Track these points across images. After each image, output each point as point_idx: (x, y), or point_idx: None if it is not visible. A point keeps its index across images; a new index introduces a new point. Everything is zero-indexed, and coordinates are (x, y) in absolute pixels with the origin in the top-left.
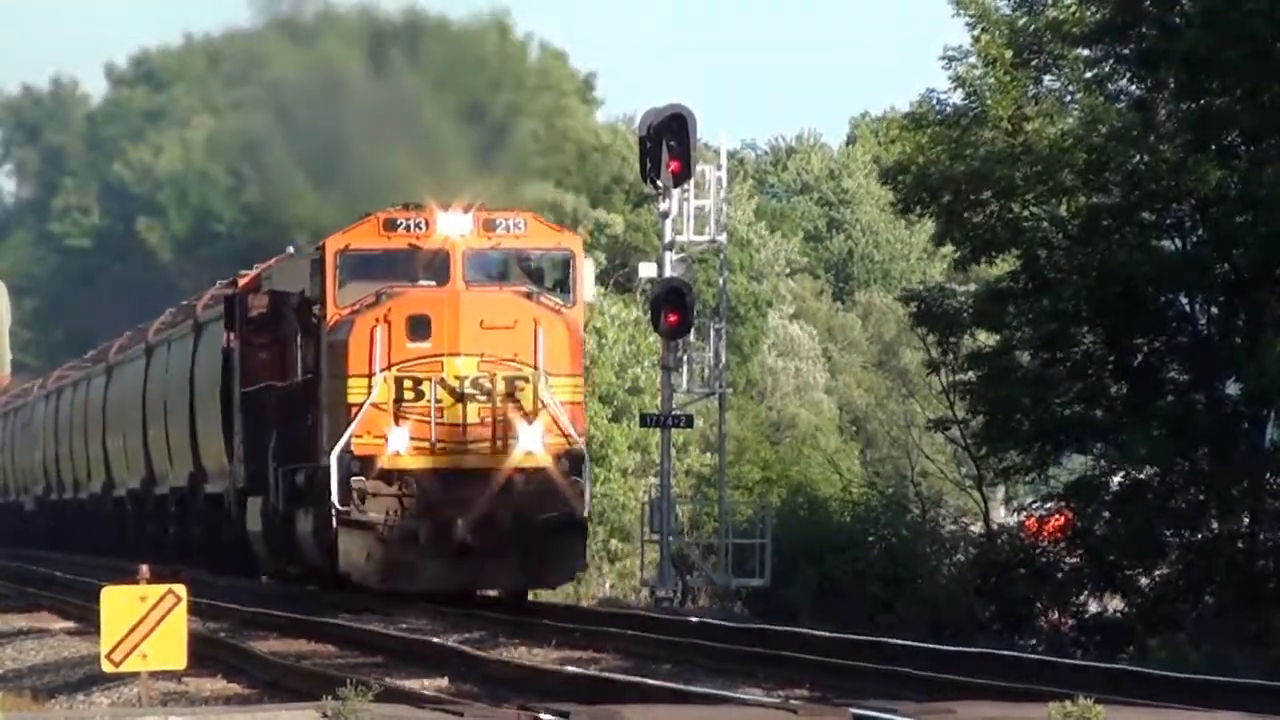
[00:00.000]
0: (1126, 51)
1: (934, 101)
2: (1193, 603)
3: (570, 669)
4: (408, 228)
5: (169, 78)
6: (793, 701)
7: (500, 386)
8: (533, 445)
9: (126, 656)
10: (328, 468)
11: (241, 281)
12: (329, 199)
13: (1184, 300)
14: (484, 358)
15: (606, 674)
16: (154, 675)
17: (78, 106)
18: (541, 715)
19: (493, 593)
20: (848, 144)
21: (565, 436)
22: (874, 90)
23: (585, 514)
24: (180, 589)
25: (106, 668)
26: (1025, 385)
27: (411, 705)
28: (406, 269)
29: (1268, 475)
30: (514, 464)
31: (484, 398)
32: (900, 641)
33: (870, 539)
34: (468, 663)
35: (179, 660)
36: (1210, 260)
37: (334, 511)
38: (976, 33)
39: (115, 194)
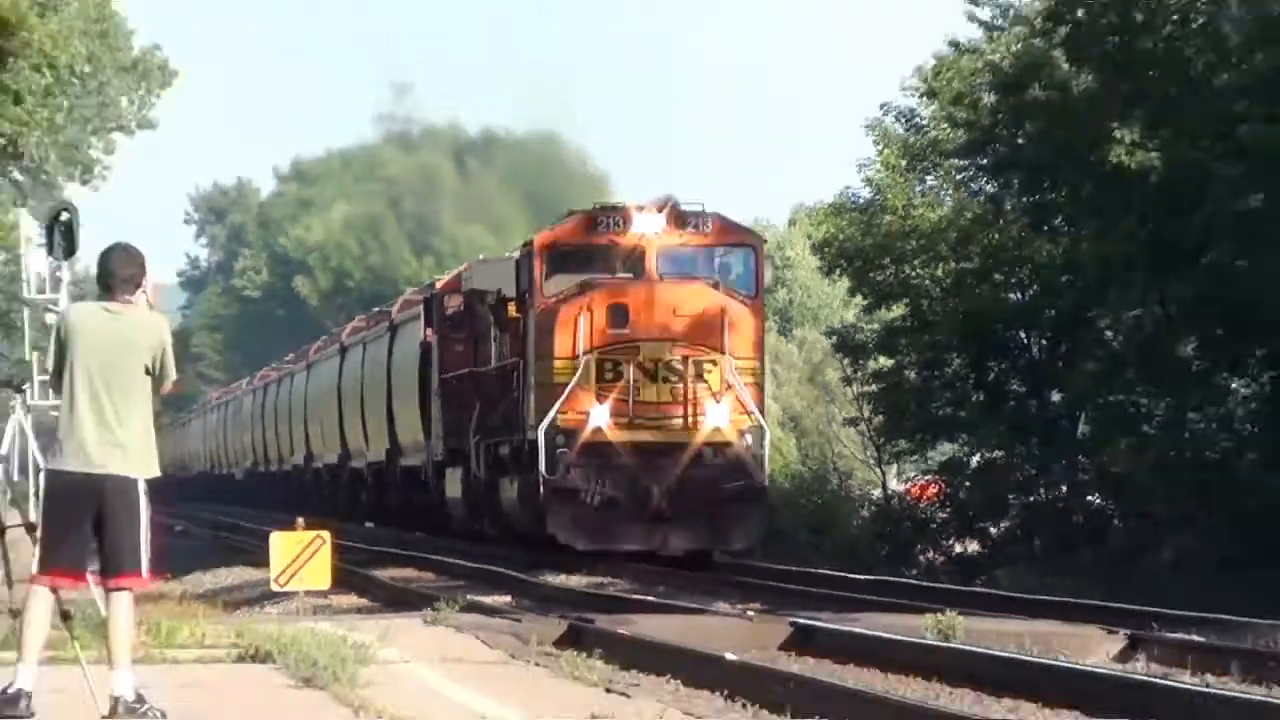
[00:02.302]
0: (984, 162)
1: (850, 195)
2: (1027, 546)
3: (595, 591)
4: (607, 226)
5: (315, 177)
6: (749, 612)
7: (690, 369)
8: (720, 422)
9: (289, 580)
10: (535, 440)
11: (440, 284)
12: (425, 262)
13: (1023, 335)
14: (676, 342)
15: (620, 594)
16: (308, 593)
17: (253, 197)
18: (573, 620)
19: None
20: (789, 224)
21: (748, 414)
22: (808, 186)
23: (764, 483)
24: (325, 534)
25: (274, 588)
26: (911, 394)
27: (484, 614)
28: (606, 262)
29: (1079, 457)
30: (703, 438)
31: (676, 378)
32: (824, 571)
33: (803, 500)
34: (524, 586)
35: (325, 583)
36: (1041, 308)
37: (542, 479)
38: (880, 148)
39: (278, 259)
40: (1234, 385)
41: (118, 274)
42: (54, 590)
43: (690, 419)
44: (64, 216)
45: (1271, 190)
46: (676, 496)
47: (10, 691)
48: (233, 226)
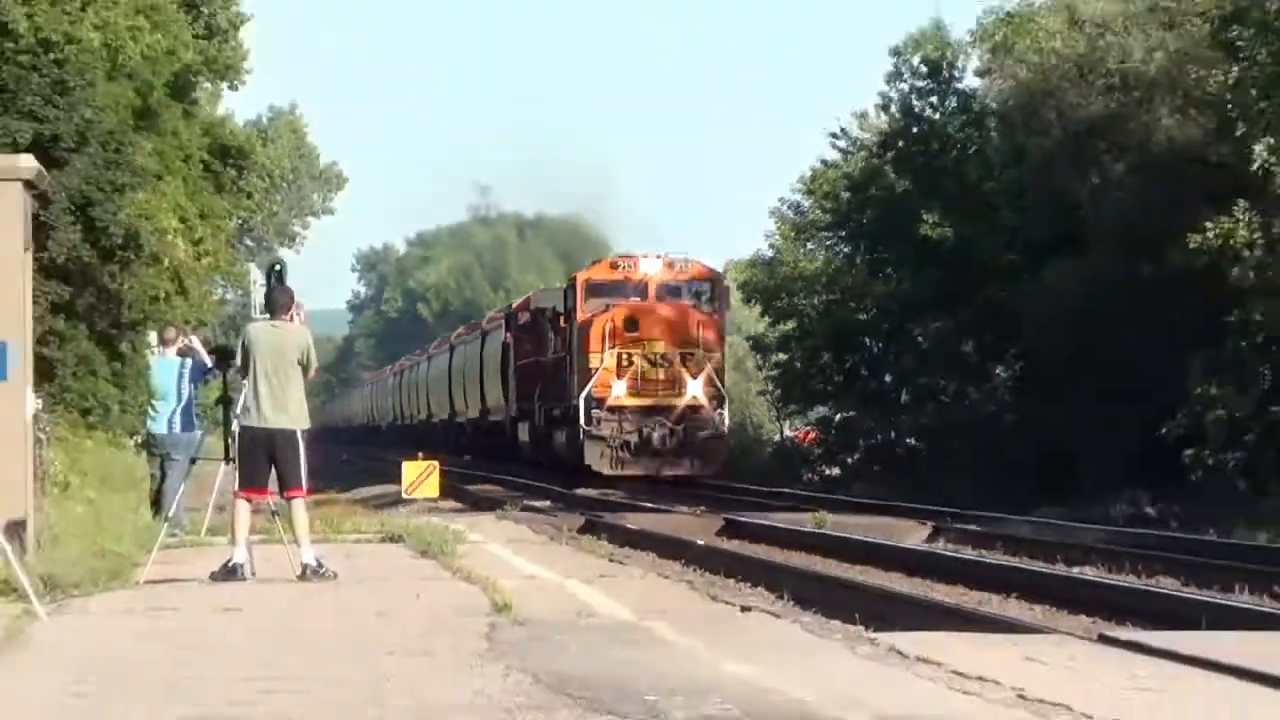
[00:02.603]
0: (842, 234)
1: (760, 254)
2: (869, 471)
3: (603, 498)
4: (623, 267)
5: (431, 242)
6: (699, 511)
7: (677, 359)
8: (696, 392)
9: (413, 491)
10: (577, 405)
11: (514, 305)
12: (499, 295)
13: (867, 340)
14: (668, 342)
15: (619, 500)
16: (425, 500)
17: (393, 254)
18: (589, 516)
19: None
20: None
21: (714, 388)
22: (735, 247)
23: (724, 432)
24: (436, 463)
25: (404, 496)
26: (798, 377)
27: (534, 513)
28: (622, 290)
29: (902, 416)
30: (685, 403)
31: (667, 365)
32: (745, 486)
33: (732, 441)
34: (560, 495)
35: (435, 493)
36: (878, 323)
37: (582, 430)
38: (778, 224)
39: (408, 294)
40: (998, 371)
41: (278, 303)
42: (248, 500)
43: (677, 391)
44: (277, 268)
45: (1019, 253)
46: (668, 440)
47: (230, 565)
48: (381, 273)
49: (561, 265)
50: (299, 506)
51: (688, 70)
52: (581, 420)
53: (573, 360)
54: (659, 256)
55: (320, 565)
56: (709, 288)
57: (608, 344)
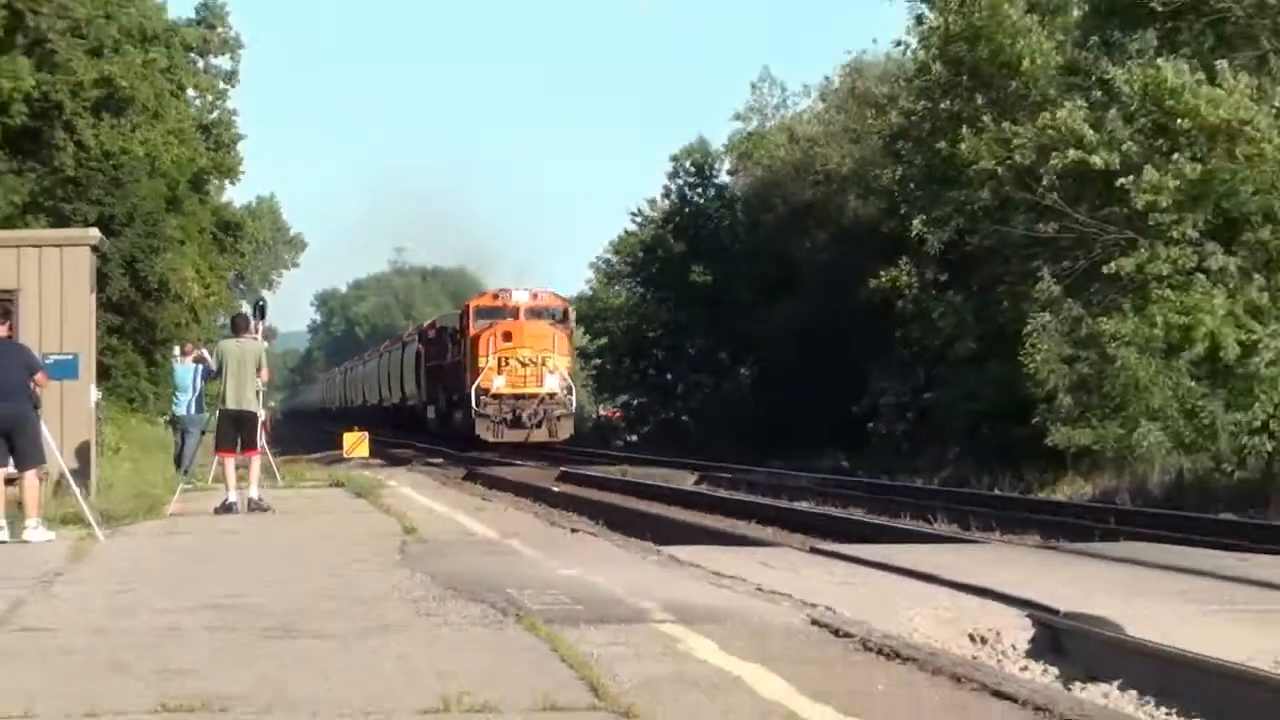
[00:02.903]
0: (639, 280)
1: (584, 294)
2: (658, 438)
3: (479, 457)
4: (501, 297)
5: (365, 286)
6: (544, 465)
7: (540, 361)
8: (553, 386)
9: (351, 453)
10: (469, 393)
11: (425, 324)
12: (409, 321)
13: (655, 351)
14: (533, 349)
15: (493, 459)
16: (360, 459)
17: (337, 294)
18: (469, 469)
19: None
20: None
21: (565, 382)
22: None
23: (573, 412)
24: (366, 434)
25: (345, 456)
26: (608, 375)
27: (433, 467)
28: (501, 313)
29: (679, 401)
30: (544, 392)
31: (533, 365)
32: (575, 448)
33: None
34: (452, 455)
35: (366, 454)
36: (663, 339)
37: (473, 410)
38: (595, 274)
39: (349, 320)
40: (742, 370)
41: (240, 327)
42: (223, 458)
43: (539, 383)
44: (260, 303)
45: (755, 293)
46: (532, 418)
47: (226, 503)
48: (330, 307)
49: (451, 302)
50: (255, 462)
51: (558, 136)
52: (472, 404)
53: (465, 362)
54: (526, 290)
55: (262, 500)
56: (561, 312)
57: (491, 351)
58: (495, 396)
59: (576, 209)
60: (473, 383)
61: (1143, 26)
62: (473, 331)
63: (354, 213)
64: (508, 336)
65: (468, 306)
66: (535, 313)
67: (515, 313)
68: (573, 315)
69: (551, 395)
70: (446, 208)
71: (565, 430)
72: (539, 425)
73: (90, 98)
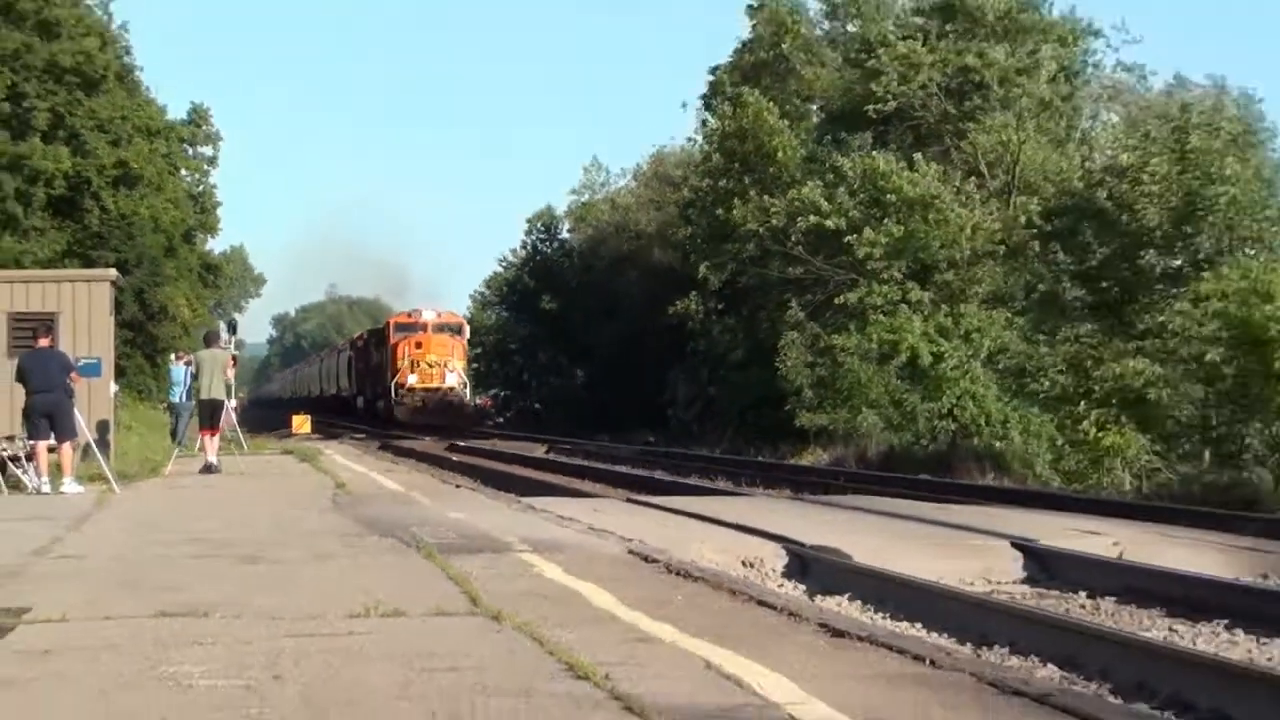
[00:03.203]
0: (505, 306)
1: (466, 315)
2: (520, 420)
3: (390, 434)
4: (414, 315)
5: (309, 310)
6: (438, 439)
7: (443, 363)
8: (452, 382)
9: (297, 430)
10: (390, 387)
11: (355, 336)
12: (342, 335)
13: (517, 357)
14: (437, 355)
15: (401, 435)
16: (304, 434)
17: (289, 317)
18: (382, 441)
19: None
20: None
21: (462, 380)
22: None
23: (466, 402)
24: (309, 417)
25: (293, 433)
26: (482, 374)
27: (358, 440)
28: (413, 328)
29: (533, 393)
30: (445, 387)
31: (438, 367)
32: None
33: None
34: (373, 432)
35: (308, 430)
36: (523, 349)
37: (393, 400)
38: (472, 301)
39: (298, 336)
40: (579, 372)
41: (211, 340)
42: (202, 435)
43: (441, 381)
44: (233, 322)
45: (589, 316)
46: (436, 407)
47: (206, 465)
48: (283, 325)
49: (371, 323)
50: (215, 438)
51: (454, 190)
52: (392, 395)
53: (386, 364)
54: (434, 310)
55: (218, 464)
56: (459, 326)
57: (406, 356)
58: (409, 390)
59: (466, 245)
60: (393, 379)
61: (862, 129)
62: (392, 341)
63: (299, 253)
64: (419, 345)
65: (390, 322)
66: (440, 328)
67: (425, 328)
68: (467, 329)
69: (451, 389)
70: (367, 247)
71: (461, 416)
72: (441, 413)
73: (111, 175)
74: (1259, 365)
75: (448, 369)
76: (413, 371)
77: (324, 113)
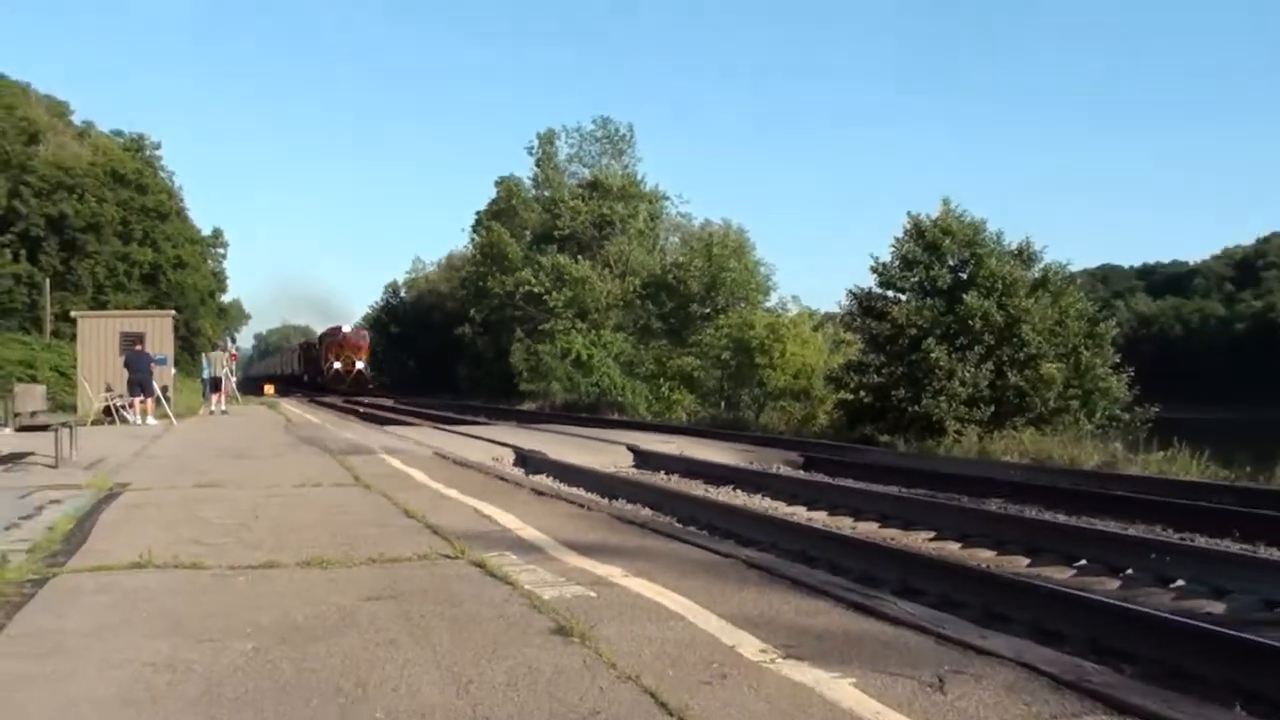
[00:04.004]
0: (385, 336)
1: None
2: (392, 388)
3: (318, 396)
4: (340, 329)
5: (273, 330)
6: (349, 402)
7: (353, 357)
8: (360, 367)
9: (268, 393)
10: (325, 370)
11: (300, 343)
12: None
13: (410, 363)
14: (352, 353)
15: (327, 397)
16: (271, 396)
17: (261, 335)
18: (312, 399)
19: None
20: None
21: (367, 367)
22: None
23: (369, 378)
24: (274, 385)
25: (266, 395)
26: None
27: (301, 399)
28: (338, 334)
29: (397, 374)
30: (356, 369)
31: (350, 360)
32: (361, 393)
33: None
34: (311, 396)
35: (274, 393)
36: (420, 357)
37: (326, 376)
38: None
39: (269, 345)
40: (410, 363)
41: (218, 347)
42: (212, 397)
43: (355, 367)
44: (235, 337)
45: (429, 345)
46: (353, 381)
47: (215, 409)
48: (260, 338)
49: (302, 338)
50: (223, 397)
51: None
52: (326, 375)
53: (322, 357)
54: (351, 326)
55: (226, 410)
56: (366, 336)
57: (332, 352)
58: (335, 373)
59: (361, 287)
60: (326, 365)
61: (552, 243)
62: (324, 344)
63: (269, 297)
64: (341, 346)
65: (323, 334)
66: (354, 335)
67: (345, 336)
68: (370, 338)
69: (360, 371)
70: (304, 287)
71: (364, 387)
72: (354, 384)
73: (172, 262)
74: (746, 360)
75: (357, 360)
76: (336, 361)
77: (275, 202)
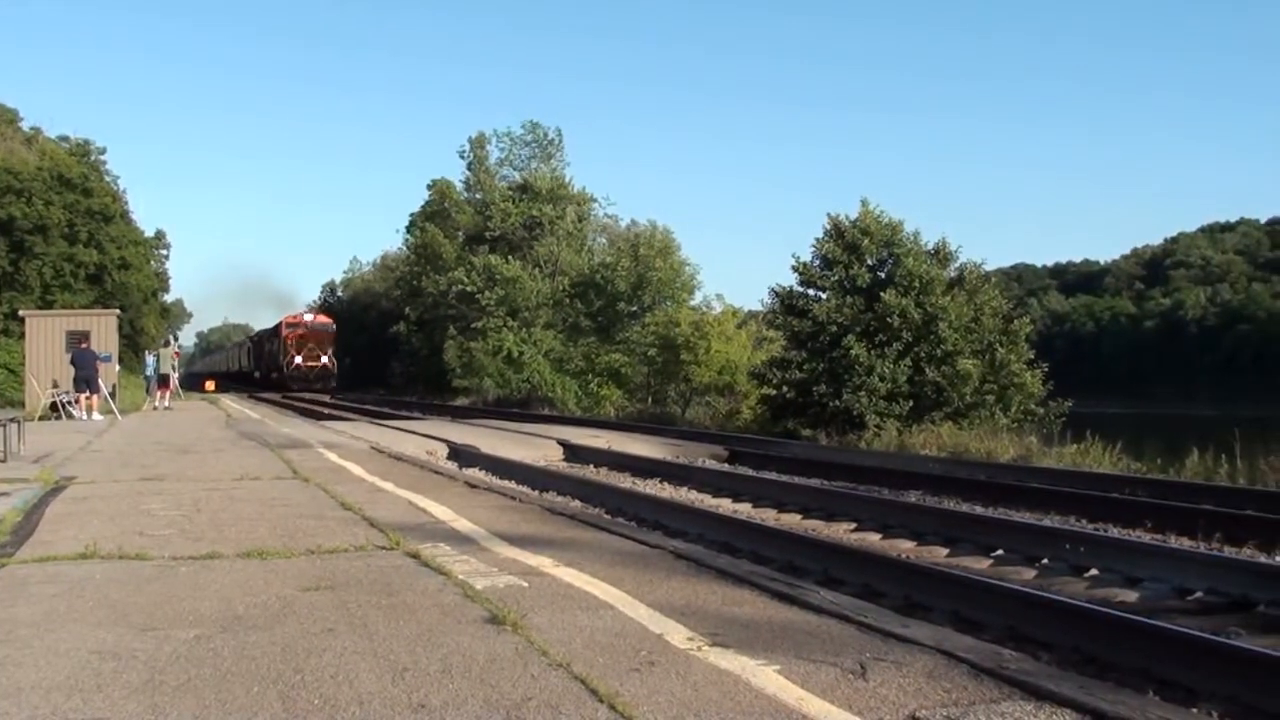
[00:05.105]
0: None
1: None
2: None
3: (284, 397)
4: (301, 316)
5: (221, 326)
6: (324, 397)
7: (317, 349)
8: (325, 362)
9: (208, 390)
10: (282, 365)
11: (255, 332)
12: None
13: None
14: (315, 344)
15: (294, 396)
16: (212, 392)
17: (213, 330)
18: (282, 398)
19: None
20: None
21: (331, 361)
22: None
23: (334, 374)
24: (215, 381)
25: (207, 390)
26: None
27: (257, 399)
28: (299, 326)
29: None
30: (320, 365)
31: (315, 351)
32: (308, 391)
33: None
34: (264, 393)
35: (214, 389)
36: (380, 356)
37: (286, 372)
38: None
39: (220, 339)
40: (347, 360)
41: (161, 344)
42: (157, 392)
43: (318, 360)
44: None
45: (361, 339)
46: (316, 376)
47: (160, 406)
48: (202, 335)
49: (243, 336)
50: (167, 393)
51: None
52: (285, 370)
53: (279, 350)
54: (313, 314)
55: (170, 406)
56: (330, 325)
57: (293, 344)
58: (296, 367)
59: (305, 277)
60: (284, 359)
61: (484, 244)
62: (285, 334)
63: (209, 292)
64: (304, 338)
65: (282, 322)
66: (318, 325)
67: (306, 324)
68: (334, 327)
69: (324, 367)
70: (254, 277)
71: (328, 386)
72: (319, 380)
73: (116, 263)
74: (672, 357)
75: (321, 353)
76: (297, 354)
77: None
